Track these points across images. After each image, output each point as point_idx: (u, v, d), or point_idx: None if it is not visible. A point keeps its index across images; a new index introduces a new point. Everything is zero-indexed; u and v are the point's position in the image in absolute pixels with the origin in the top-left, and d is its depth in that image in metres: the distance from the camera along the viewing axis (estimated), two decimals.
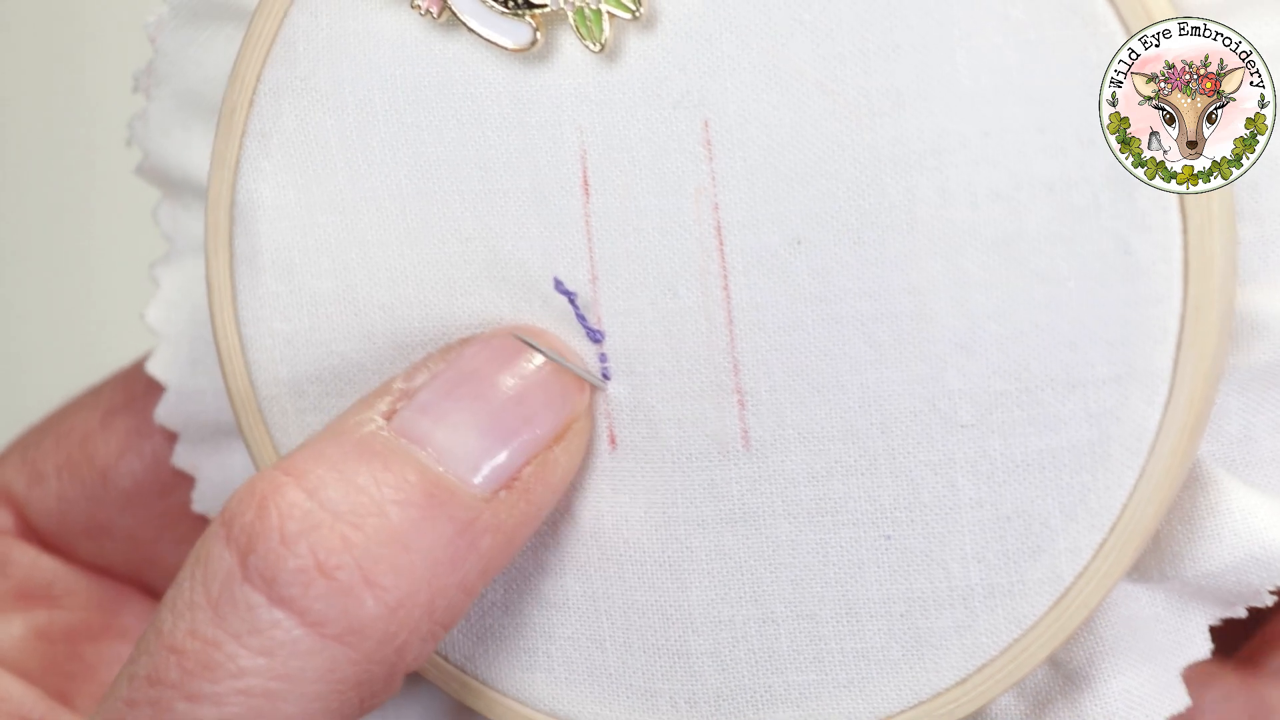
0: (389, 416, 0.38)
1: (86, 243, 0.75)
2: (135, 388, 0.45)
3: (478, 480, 0.37)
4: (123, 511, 0.45)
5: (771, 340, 0.38)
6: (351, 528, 0.36)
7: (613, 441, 0.39)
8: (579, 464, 0.39)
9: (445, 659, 0.41)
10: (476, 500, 0.37)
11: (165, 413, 0.44)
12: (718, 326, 0.38)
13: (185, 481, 0.45)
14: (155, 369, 0.44)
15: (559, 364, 0.38)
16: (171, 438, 0.44)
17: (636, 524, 0.39)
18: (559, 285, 0.39)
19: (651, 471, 0.39)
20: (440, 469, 0.37)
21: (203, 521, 0.45)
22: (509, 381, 0.38)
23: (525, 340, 0.38)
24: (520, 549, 0.38)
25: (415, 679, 0.41)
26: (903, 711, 0.38)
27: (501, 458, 0.38)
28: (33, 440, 0.46)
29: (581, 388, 0.39)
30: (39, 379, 0.47)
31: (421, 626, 0.36)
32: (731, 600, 0.39)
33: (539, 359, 0.38)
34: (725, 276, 0.38)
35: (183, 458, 0.44)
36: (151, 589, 0.47)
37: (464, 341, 0.39)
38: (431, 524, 0.36)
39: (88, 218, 0.75)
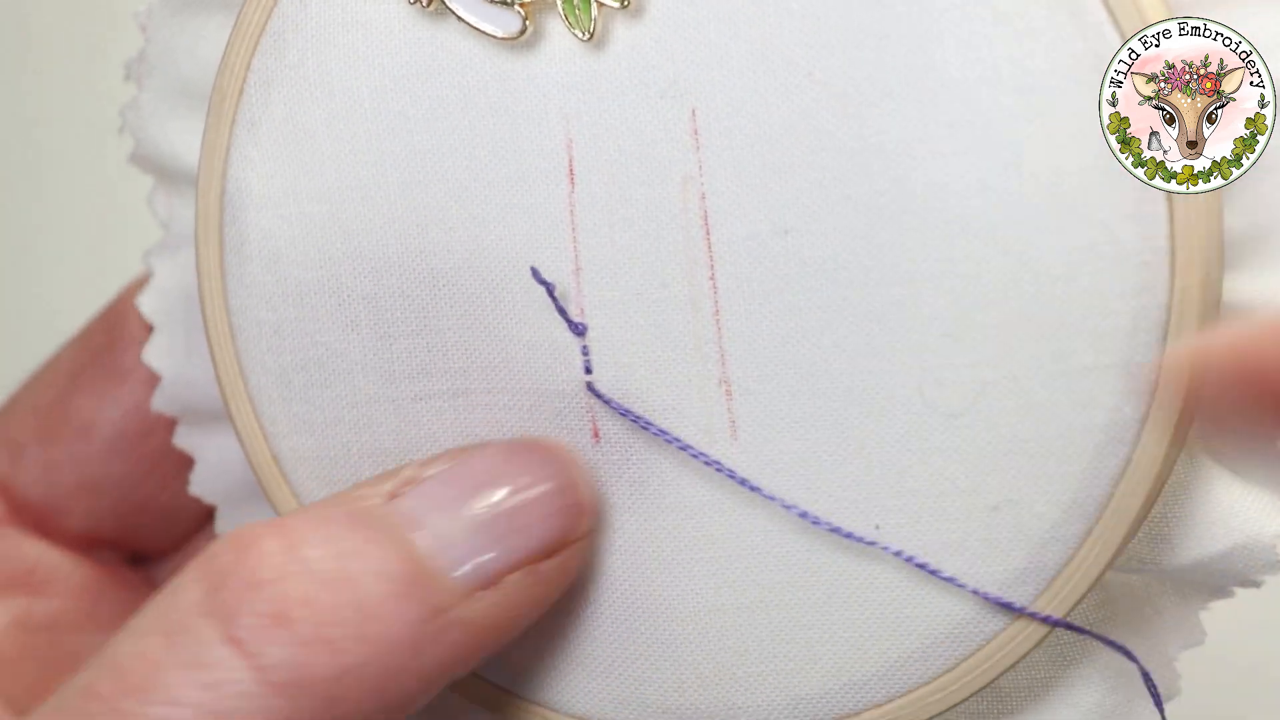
0: (392, 497, 0.37)
1: (82, 231, 0.74)
2: (95, 343, 0.44)
3: (458, 573, 0.36)
4: (109, 461, 0.44)
5: (759, 329, 0.37)
6: (321, 586, 0.35)
7: (596, 435, 0.38)
8: (568, 585, 0.38)
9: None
10: (453, 592, 0.36)
11: (162, 400, 0.43)
12: (704, 316, 0.37)
13: (165, 422, 0.44)
14: (150, 357, 0.43)
15: (568, 485, 0.37)
16: (145, 382, 0.43)
17: (623, 514, 0.38)
18: (536, 275, 0.37)
19: (637, 462, 0.38)
20: (424, 554, 0.36)
21: (186, 458, 0.44)
22: (514, 491, 0.37)
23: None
24: (492, 652, 0.37)
25: None
26: (890, 700, 0.38)
27: (488, 557, 0.36)
28: (1, 420, 0.45)
29: (586, 512, 0.38)
30: (34, 368, 0.46)
31: (367, 701, 0.35)
32: (719, 587, 0.38)
33: (550, 476, 0.37)
34: (712, 266, 0.37)
35: (183, 439, 0.43)
36: (142, 546, 0.45)
37: (483, 444, 0.38)
38: (401, 603, 0.35)
39: (82, 206, 0.74)
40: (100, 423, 0.44)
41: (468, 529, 0.36)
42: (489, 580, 0.36)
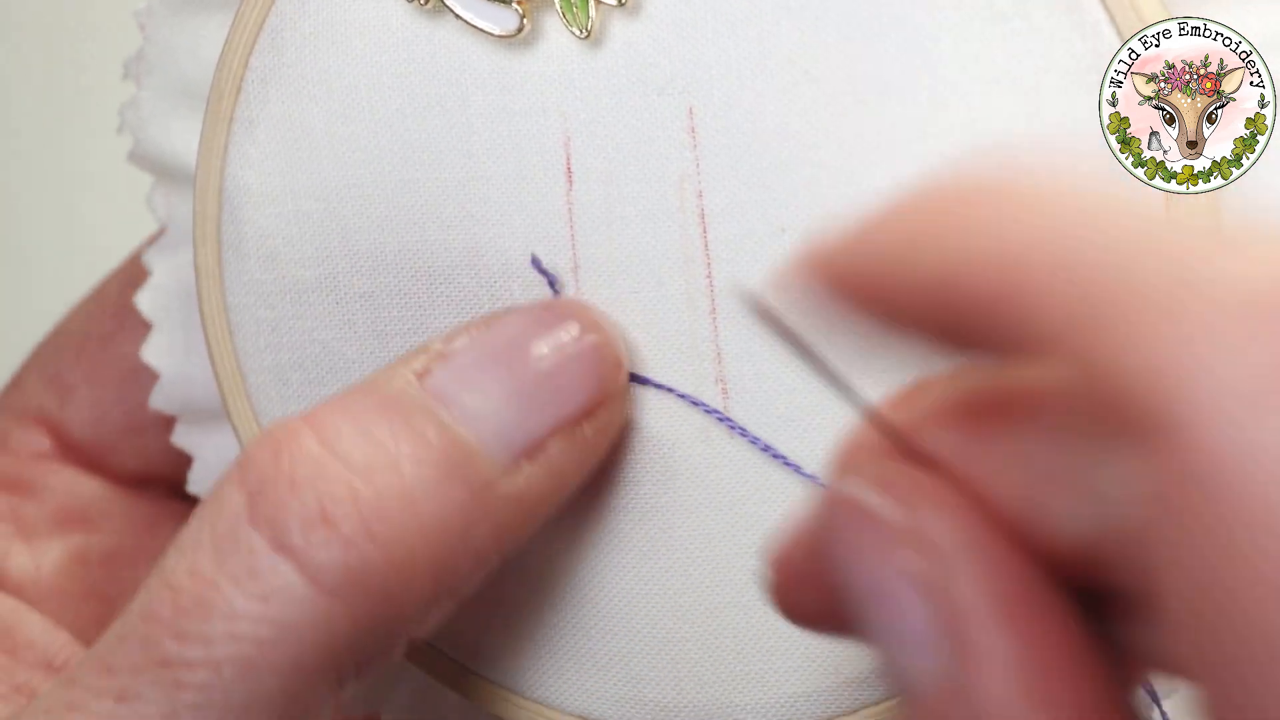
0: (421, 375, 0.36)
1: (80, 229, 0.74)
2: (141, 280, 0.43)
3: (500, 446, 0.35)
4: None
5: (755, 328, 0.36)
6: (362, 480, 0.34)
7: None
8: (609, 443, 0.37)
9: (434, 646, 0.39)
10: (495, 467, 0.35)
11: (160, 398, 0.43)
12: (701, 315, 0.37)
13: None
14: (149, 355, 0.42)
15: (599, 336, 0.37)
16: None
17: (621, 512, 0.38)
18: (536, 264, 0.37)
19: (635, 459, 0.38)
20: (462, 431, 0.35)
21: None
22: (545, 352, 0.36)
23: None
24: (540, 522, 0.36)
25: (402, 665, 0.40)
26: (887, 698, 0.37)
27: (527, 426, 0.36)
28: (49, 357, 0.45)
29: (619, 367, 0.37)
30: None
31: (425, 591, 0.34)
32: (718, 586, 0.38)
33: (577, 331, 0.37)
34: (709, 264, 0.37)
35: (182, 437, 0.43)
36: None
37: (508, 309, 0.37)
38: (445, 485, 0.34)
39: (80, 204, 0.74)
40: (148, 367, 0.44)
41: (504, 398, 0.36)
42: (532, 448, 0.36)
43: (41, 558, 0.43)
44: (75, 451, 0.44)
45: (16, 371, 0.45)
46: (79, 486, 0.44)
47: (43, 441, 0.44)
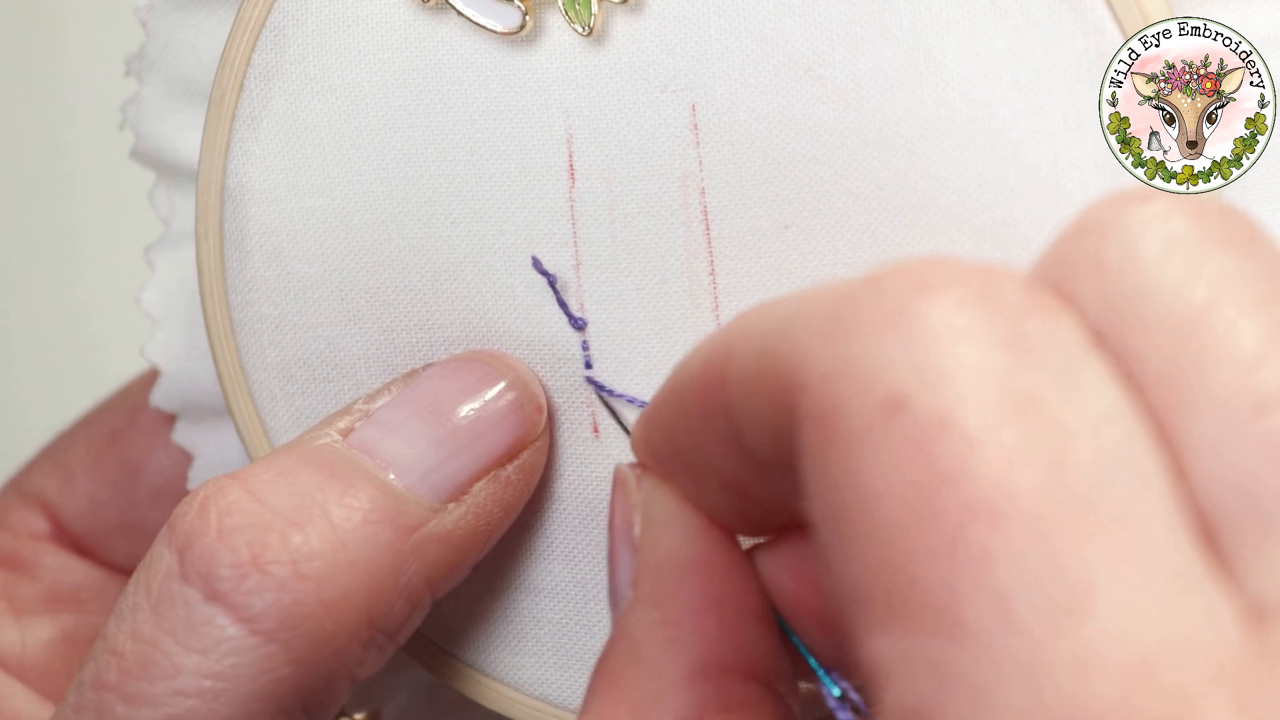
0: (346, 433, 0.37)
1: (82, 227, 0.74)
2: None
3: (425, 489, 0.36)
4: (153, 507, 0.45)
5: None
6: (291, 526, 0.35)
7: (595, 430, 0.38)
8: (534, 483, 0.38)
9: (435, 644, 0.40)
10: (422, 508, 0.36)
11: (161, 396, 0.43)
12: (704, 312, 0.37)
13: None
14: (151, 353, 0.42)
15: (517, 386, 0.38)
16: None
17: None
18: (537, 264, 0.37)
19: None
20: (387, 476, 0.36)
21: None
22: (464, 400, 0.37)
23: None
24: (472, 563, 0.37)
25: (404, 663, 0.40)
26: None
27: (450, 469, 0.37)
28: (62, 444, 0.46)
29: (539, 410, 0.38)
30: (37, 365, 0.46)
31: (361, 630, 0.35)
32: None
33: (497, 380, 0.38)
34: (712, 261, 0.37)
35: (182, 435, 0.43)
36: None
37: (426, 364, 0.38)
38: (373, 527, 0.35)
39: (82, 202, 0.74)
40: (148, 468, 0.44)
41: (427, 444, 0.36)
42: (456, 491, 0.36)
43: (29, 635, 0.43)
44: (69, 537, 0.45)
45: (34, 453, 0.46)
46: (72, 569, 0.45)
47: (41, 523, 0.45)
